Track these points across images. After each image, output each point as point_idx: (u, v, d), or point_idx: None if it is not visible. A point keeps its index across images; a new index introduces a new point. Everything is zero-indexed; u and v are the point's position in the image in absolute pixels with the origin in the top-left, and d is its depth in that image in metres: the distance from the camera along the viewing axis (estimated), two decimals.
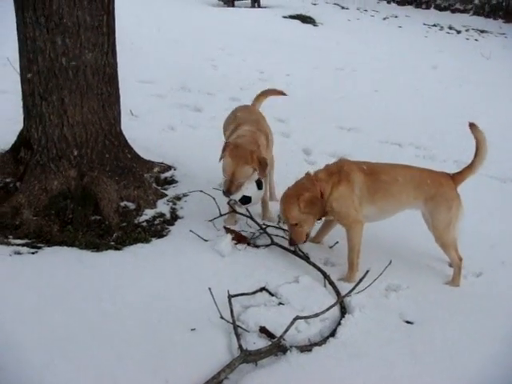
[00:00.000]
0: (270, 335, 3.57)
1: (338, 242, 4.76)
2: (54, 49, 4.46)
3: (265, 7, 20.05)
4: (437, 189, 4.45)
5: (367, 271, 4.04)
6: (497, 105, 10.61)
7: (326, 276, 4.27)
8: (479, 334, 3.91)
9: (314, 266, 4.36)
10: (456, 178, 4.55)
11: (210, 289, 3.60)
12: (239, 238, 4.61)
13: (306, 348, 3.53)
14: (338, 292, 4.12)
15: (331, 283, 4.21)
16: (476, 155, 4.50)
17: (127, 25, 10.46)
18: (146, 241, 4.50)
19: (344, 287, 4.19)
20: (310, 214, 4.28)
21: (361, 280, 4.04)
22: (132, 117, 7.03)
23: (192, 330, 3.53)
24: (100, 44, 4.69)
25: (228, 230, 4.68)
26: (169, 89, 8.73)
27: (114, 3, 4.80)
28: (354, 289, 4.04)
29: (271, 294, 3.99)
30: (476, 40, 19.43)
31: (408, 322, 3.95)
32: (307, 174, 4.47)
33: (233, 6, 20.01)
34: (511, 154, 7.44)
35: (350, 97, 9.84)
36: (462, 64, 14.46)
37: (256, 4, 20.44)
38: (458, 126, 8.53)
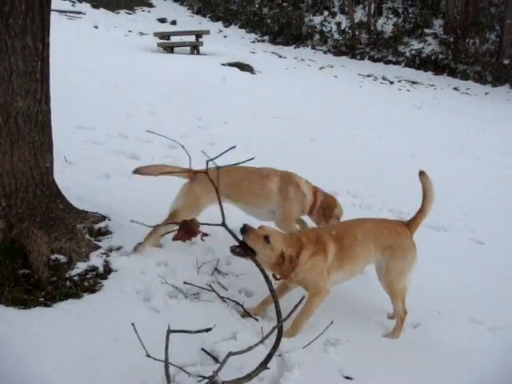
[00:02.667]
0: None
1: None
2: None
3: (204, 54, 20.24)
4: (394, 238, 4.51)
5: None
6: (430, 153, 10.97)
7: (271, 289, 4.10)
8: None
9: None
10: (411, 225, 4.64)
11: (133, 324, 3.40)
12: (188, 233, 4.21)
13: (239, 382, 3.43)
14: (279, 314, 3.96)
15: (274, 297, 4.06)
16: (424, 198, 4.64)
17: (64, 69, 10.38)
18: (78, 296, 4.30)
19: (283, 342, 4.11)
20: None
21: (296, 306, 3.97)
22: (66, 164, 6.84)
23: None
24: (33, 91, 4.54)
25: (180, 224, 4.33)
26: (106, 135, 8.56)
27: (48, 49, 4.68)
28: (294, 310, 3.95)
29: (208, 354, 3.87)
30: (408, 90, 20.23)
31: (347, 378, 3.91)
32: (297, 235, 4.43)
33: (172, 52, 20.11)
34: (444, 202, 7.65)
35: (287, 145, 9.92)
36: (395, 114, 14.95)
37: (195, 51, 20.62)
38: (392, 174, 8.85)
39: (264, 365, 3.61)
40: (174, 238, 4.20)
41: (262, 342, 3.72)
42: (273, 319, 4.48)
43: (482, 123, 15.55)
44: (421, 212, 4.65)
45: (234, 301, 4.57)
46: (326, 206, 5.24)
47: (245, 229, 4.16)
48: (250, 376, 3.52)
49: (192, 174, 5.02)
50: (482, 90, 22.37)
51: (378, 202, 7.50)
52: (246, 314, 4.45)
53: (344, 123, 12.63)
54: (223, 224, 4.25)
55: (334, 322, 4.25)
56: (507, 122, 16.22)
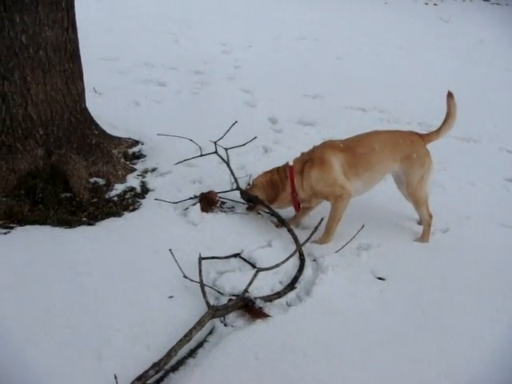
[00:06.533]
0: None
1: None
2: (12, 27, 4.37)
3: None
4: (410, 147, 4.56)
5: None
6: (457, 67, 10.78)
7: (284, 223, 4.51)
8: (449, 287, 4.05)
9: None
10: (424, 137, 4.67)
11: (170, 250, 3.69)
12: (209, 203, 4.68)
13: (268, 298, 3.68)
14: (296, 240, 4.27)
15: (289, 230, 4.42)
16: (444, 122, 4.66)
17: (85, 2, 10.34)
18: (118, 215, 4.52)
19: (317, 248, 4.32)
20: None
21: (316, 228, 4.28)
22: (96, 94, 6.95)
23: (170, 297, 3.60)
24: (59, 20, 4.62)
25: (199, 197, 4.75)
26: (131, 65, 8.63)
27: None
28: (311, 236, 4.24)
29: (245, 260, 4.08)
30: (435, 4, 19.54)
31: (380, 279, 4.07)
32: (286, 165, 4.63)
33: None
34: (472, 115, 7.62)
35: (313, 65, 9.85)
36: (421, 28, 14.57)
37: None
38: (419, 90, 8.78)
39: (291, 285, 3.86)
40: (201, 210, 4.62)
41: (285, 261, 3.94)
42: (306, 228, 4.65)
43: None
44: (436, 132, 4.68)
45: (269, 212, 4.74)
46: None
47: (240, 192, 4.76)
48: (278, 294, 3.76)
49: None
50: None
51: (406, 117, 7.49)
52: (280, 224, 4.62)
53: (370, 42, 12.39)
54: (238, 188, 4.82)
55: (365, 229, 4.41)
56: None
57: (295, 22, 13.65)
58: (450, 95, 4.64)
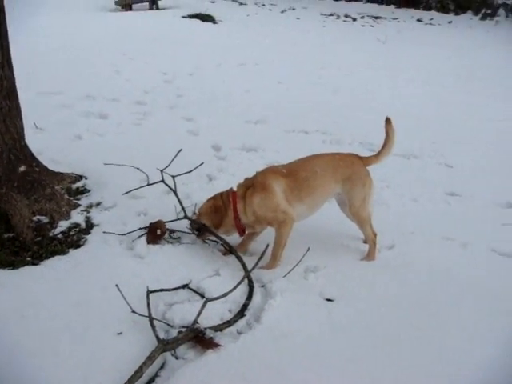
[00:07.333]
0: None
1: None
2: None
3: (163, 9, 19.91)
4: (350, 169, 4.65)
5: None
6: (397, 84, 11.12)
7: (232, 251, 4.57)
8: (395, 303, 4.12)
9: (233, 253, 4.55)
10: (364, 160, 4.78)
11: (117, 285, 3.63)
12: (156, 234, 4.66)
13: (218, 327, 3.67)
14: (245, 267, 4.31)
15: (237, 257, 4.47)
16: (383, 147, 4.78)
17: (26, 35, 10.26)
18: (63, 252, 4.45)
19: (265, 274, 4.35)
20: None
21: (262, 254, 4.28)
22: (37, 130, 6.88)
23: (118, 333, 3.56)
24: None
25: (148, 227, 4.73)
26: (74, 98, 8.57)
27: (4, 14, 4.69)
28: (258, 262, 4.23)
29: (193, 291, 4.06)
30: (371, 26, 20.14)
31: (328, 300, 4.11)
32: (229, 190, 4.65)
33: (130, 9, 19.74)
34: (412, 132, 7.86)
35: (255, 90, 10.00)
36: (360, 50, 14.98)
37: (154, 6, 20.26)
38: (359, 110, 9.00)
39: (241, 313, 3.87)
40: (147, 242, 4.63)
41: (233, 289, 3.93)
42: (254, 254, 4.69)
43: (447, 51, 15.64)
44: (376, 157, 4.79)
45: (215, 240, 4.76)
46: None
47: (189, 221, 4.83)
48: (228, 322, 3.76)
49: None
50: (446, 19, 22.29)
51: (347, 137, 7.65)
52: (227, 251, 4.64)
53: (310, 64, 12.66)
54: (186, 217, 4.86)
55: (312, 251, 4.48)
56: (471, 49, 16.32)
57: (236, 48, 13.82)
58: (387, 121, 4.76)
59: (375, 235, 4.75)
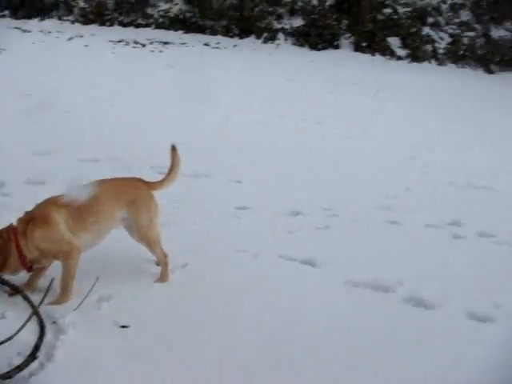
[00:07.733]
0: None
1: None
2: None
3: None
4: (134, 193, 4.70)
5: None
6: (187, 107, 11.46)
7: (18, 291, 4.29)
8: (194, 321, 4.25)
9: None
10: (148, 184, 4.85)
11: None
12: None
13: (7, 375, 3.43)
14: (33, 306, 4.11)
15: (24, 297, 4.23)
16: (168, 174, 4.94)
17: None
18: None
19: (56, 309, 4.21)
20: None
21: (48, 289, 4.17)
22: None
23: None
24: None
25: None
26: None
27: None
28: (43, 299, 4.13)
29: None
30: (161, 51, 20.49)
31: (123, 327, 4.09)
32: (9, 226, 4.37)
33: None
34: (201, 149, 8.14)
35: (40, 121, 9.50)
36: (147, 75, 15.21)
37: None
38: (148, 134, 9.11)
39: (32, 356, 3.63)
40: None
41: (19, 331, 3.76)
42: (43, 290, 4.48)
43: (232, 74, 16.45)
44: (160, 182, 4.90)
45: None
46: None
47: None
48: (19, 367, 3.51)
49: None
50: (231, 42, 23.38)
51: (138, 162, 7.66)
52: (13, 292, 4.39)
53: (102, 93, 12.50)
54: None
55: (105, 279, 4.44)
56: (254, 70, 17.39)
57: (22, 78, 13.21)
58: (173, 148, 4.91)
59: (166, 256, 4.82)
